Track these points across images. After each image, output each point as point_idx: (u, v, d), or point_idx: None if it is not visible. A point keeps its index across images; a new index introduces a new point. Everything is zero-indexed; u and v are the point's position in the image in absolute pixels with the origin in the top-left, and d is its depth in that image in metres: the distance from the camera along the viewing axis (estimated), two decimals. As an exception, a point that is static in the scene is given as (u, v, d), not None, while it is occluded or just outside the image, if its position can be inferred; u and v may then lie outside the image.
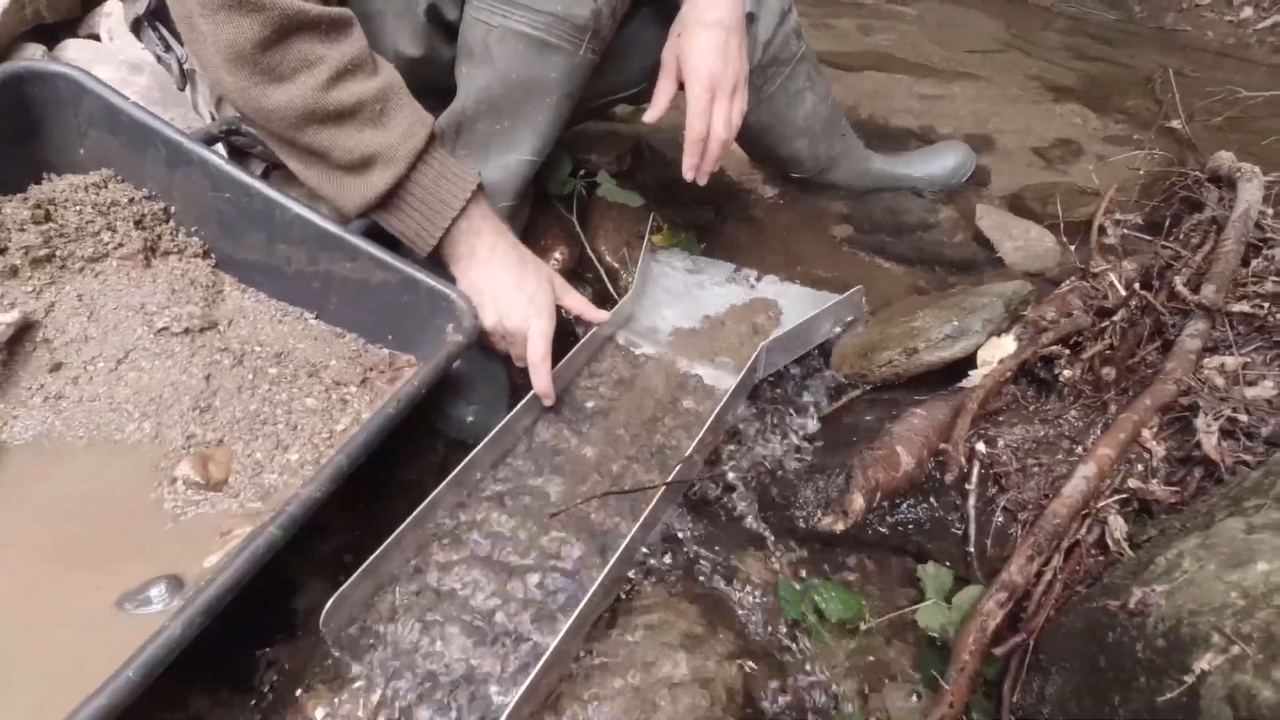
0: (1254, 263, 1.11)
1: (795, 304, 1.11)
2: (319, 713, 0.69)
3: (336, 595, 0.70)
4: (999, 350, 0.97)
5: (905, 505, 0.89)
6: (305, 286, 0.88)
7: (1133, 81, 1.98)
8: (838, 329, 1.08)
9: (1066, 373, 0.92)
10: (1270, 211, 1.20)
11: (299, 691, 0.71)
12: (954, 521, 0.90)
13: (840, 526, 0.76)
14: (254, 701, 0.72)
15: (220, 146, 0.91)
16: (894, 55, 2.07)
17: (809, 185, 1.42)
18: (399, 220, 0.84)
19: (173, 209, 0.88)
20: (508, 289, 0.88)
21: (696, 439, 0.87)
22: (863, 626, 0.80)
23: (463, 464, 0.82)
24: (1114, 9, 2.66)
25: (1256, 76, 2.04)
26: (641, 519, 0.78)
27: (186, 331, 0.81)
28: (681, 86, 0.97)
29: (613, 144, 1.37)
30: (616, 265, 1.15)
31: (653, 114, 0.99)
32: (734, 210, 1.38)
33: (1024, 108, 1.81)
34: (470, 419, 0.95)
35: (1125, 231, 1.33)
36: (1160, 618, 0.50)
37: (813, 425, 1.00)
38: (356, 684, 0.70)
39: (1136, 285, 1.07)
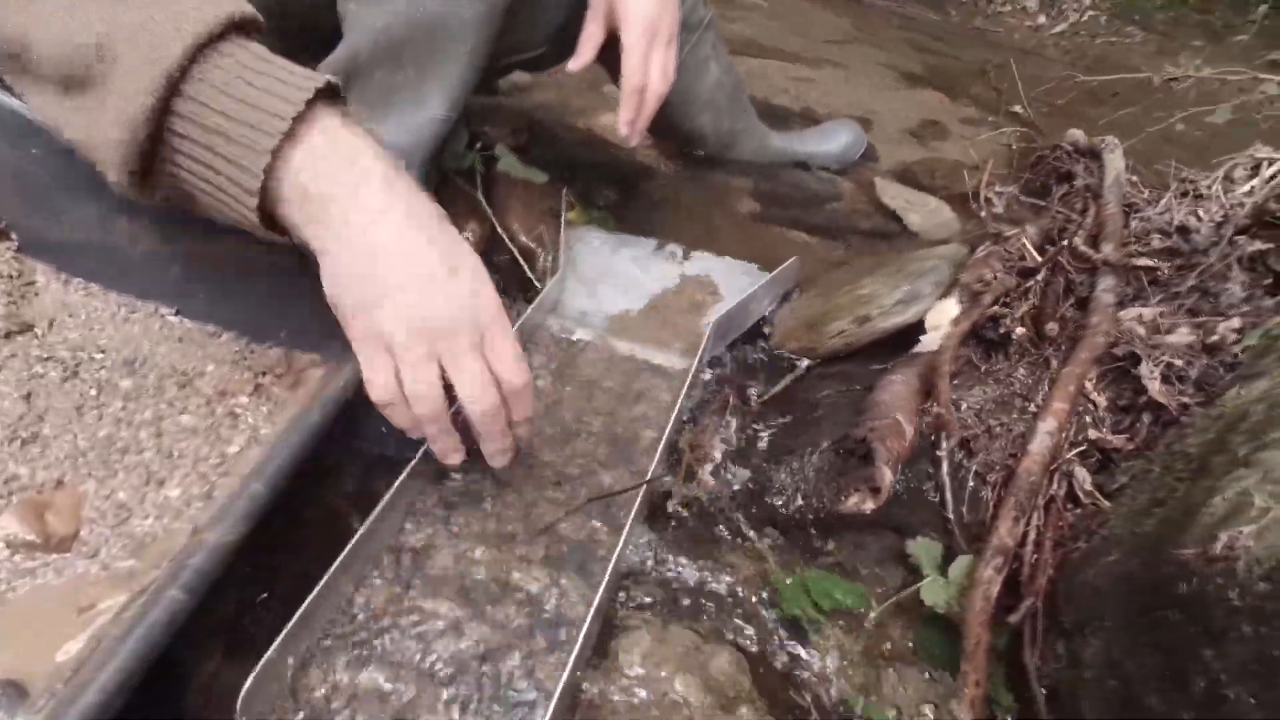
0: (1133, 223, 1.19)
1: (729, 278, 1.03)
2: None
3: (256, 672, 0.52)
4: (944, 314, 0.95)
5: (882, 479, 0.84)
6: (159, 273, 0.68)
7: (968, 72, 2.12)
8: (771, 304, 1.03)
9: (1020, 330, 0.91)
10: (1134, 178, 1.30)
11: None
12: (929, 491, 0.86)
13: (870, 505, 0.69)
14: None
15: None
16: (759, 42, 2.08)
17: (709, 163, 1.36)
18: (188, 165, 0.48)
19: (-52, 174, 0.64)
20: (429, 265, 0.53)
21: (668, 427, 0.76)
22: (871, 615, 0.73)
23: (396, 484, 0.66)
24: (935, 11, 2.87)
25: (1053, 70, 2.26)
26: (627, 525, 0.66)
27: (-12, 337, 0.59)
28: (610, 35, 0.86)
29: (504, 118, 1.23)
30: (532, 245, 1.02)
31: (577, 62, 0.87)
32: (637, 189, 1.29)
33: (887, 93, 1.88)
34: (386, 429, 0.78)
35: (1007, 201, 1.40)
36: (1254, 560, 0.47)
37: (769, 400, 0.92)
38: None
39: (1046, 247, 1.10)
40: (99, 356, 0.62)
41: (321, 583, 0.57)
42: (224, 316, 0.69)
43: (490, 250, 1.00)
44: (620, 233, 1.11)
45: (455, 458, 0.61)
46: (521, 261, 1.01)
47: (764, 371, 0.99)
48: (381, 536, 0.65)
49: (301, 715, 0.55)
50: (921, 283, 0.93)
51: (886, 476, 0.67)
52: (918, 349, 0.93)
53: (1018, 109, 1.86)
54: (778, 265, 1.01)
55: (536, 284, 1.00)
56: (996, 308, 0.96)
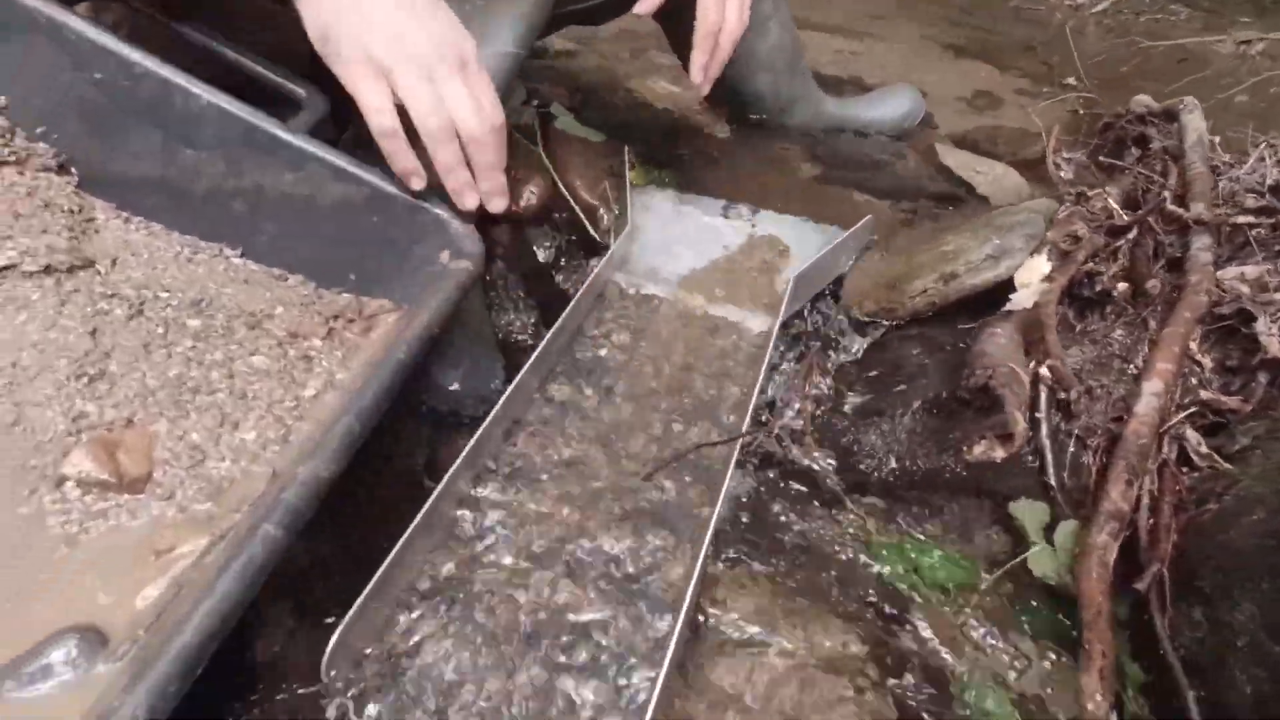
0: (1220, 184, 1.13)
1: (801, 237, 0.98)
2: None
3: (342, 627, 0.48)
4: (1035, 271, 0.90)
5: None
6: (223, 212, 0.63)
7: (1014, 47, 2.06)
8: (850, 262, 0.97)
9: (1122, 285, 0.85)
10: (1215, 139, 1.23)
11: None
12: (1026, 455, 0.81)
13: (1000, 453, 0.63)
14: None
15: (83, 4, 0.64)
16: (798, 14, 2.02)
17: (765, 128, 1.31)
18: None
19: (2, 99, 0.60)
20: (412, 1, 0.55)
21: (756, 384, 0.71)
22: (981, 586, 0.68)
23: (475, 437, 0.61)
24: (972, -11, 2.80)
25: (1097, 47, 2.19)
26: (726, 479, 0.61)
27: (48, 271, 0.54)
28: None
29: (554, 79, 1.18)
30: (595, 202, 0.97)
31: (646, 6, 0.82)
32: (692, 153, 1.24)
33: (935, 63, 1.82)
34: (455, 386, 0.73)
35: (1076, 167, 1.34)
36: None
37: (853, 370, 0.87)
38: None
39: (1128, 212, 1.04)
40: (164, 295, 0.58)
41: (403, 538, 0.53)
42: (290, 259, 0.65)
43: (551, 207, 0.95)
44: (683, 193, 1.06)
45: (470, 198, 0.62)
46: (584, 219, 0.96)
47: (840, 335, 0.94)
48: (457, 494, 0.60)
49: (386, 670, 0.50)
50: (1012, 237, 0.87)
51: (1019, 420, 0.62)
52: (1008, 308, 0.87)
53: (1071, 80, 1.79)
54: (848, 226, 0.96)
55: (600, 241, 0.95)
56: (1091, 264, 0.90)
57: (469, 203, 0.63)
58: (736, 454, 0.64)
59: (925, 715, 0.57)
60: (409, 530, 0.53)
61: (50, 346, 0.51)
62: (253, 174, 0.62)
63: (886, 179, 1.22)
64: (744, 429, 0.64)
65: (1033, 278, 0.90)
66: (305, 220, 0.64)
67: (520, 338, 0.81)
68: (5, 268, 0.54)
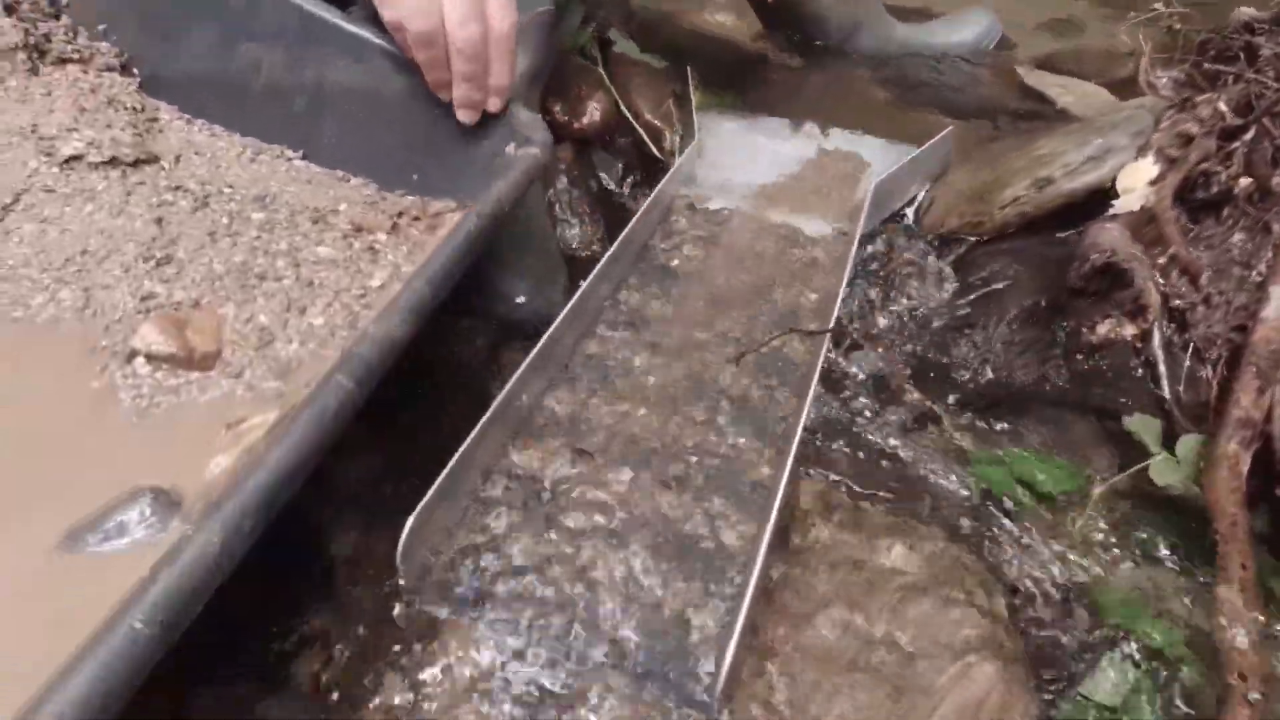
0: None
1: (876, 152, 0.93)
2: (403, 697, 0.45)
3: (415, 515, 0.45)
4: (1139, 175, 0.82)
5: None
6: (283, 109, 0.61)
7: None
8: (929, 177, 0.91)
9: (1245, 181, 0.77)
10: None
11: (368, 675, 0.46)
12: (1135, 369, 0.74)
13: (1131, 330, 0.58)
14: (294, 702, 0.46)
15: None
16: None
17: (829, 54, 1.25)
18: None
19: (67, -1, 0.59)
20: None
21: (840, 289, 0.67)
22: (1094, 493, 0.62)
23: (546, 336, 0.58)
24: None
25: None
26: (814, 378, 0.57)
27: (114, 163, 0.53)
28: None
29: (609, 7, 1.14)
30: (658, 123, 0.93)
31: None
32: (755, 81, 1.18)
33: (1009, -8, 1.71)
34: (522, 298, 0.71)
35: (1173, 85, 1.23)
36: None
37: (937, 282, 0.81)
38: (452, 645, 0.46)
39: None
40: (227, 190, 0.56)
41: (475, 430, 0.50)
42: (352, 161, 0.63)
43: (614, 129, 0.92)
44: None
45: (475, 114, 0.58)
46: (648, 140, 0.92)
47: (921, 256, 0.88)
48: (528, 396, 0.57)
49: (460, 566, 0.48)
50: (1117, 135, 0.80)
51: (1153, 291, 0.56)
52: (1111, 213, 0.80)
53: (1158, 5, 1.67)
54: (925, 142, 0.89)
55: (665, 162, 0.91)
56: (1206, 165, 0.82)
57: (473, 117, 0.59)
58: (824, 353, 0.60)
59: (1060, 635, 0.52)
60: (481, 423, 0.51)
61: (118, 233, 0.50)
62: (313, 66, 0.60)
63: (963, 100, 1.15)
64: (830, 325, 0.60)
65: (1137, 182, 0.82)
66: (367, 117, 0.61)
67: (586, 254, 0.78)
68: (72, 158, 0.52)
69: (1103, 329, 0.57)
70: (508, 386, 0.53)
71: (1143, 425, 0.68)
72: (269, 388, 0.45)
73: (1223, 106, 0.95)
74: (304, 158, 0.63)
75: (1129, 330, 0.57)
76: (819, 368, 0.57)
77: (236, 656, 0.48)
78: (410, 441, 0.62)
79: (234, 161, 0.59)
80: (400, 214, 0.60)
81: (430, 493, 0.46)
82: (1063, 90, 1.17)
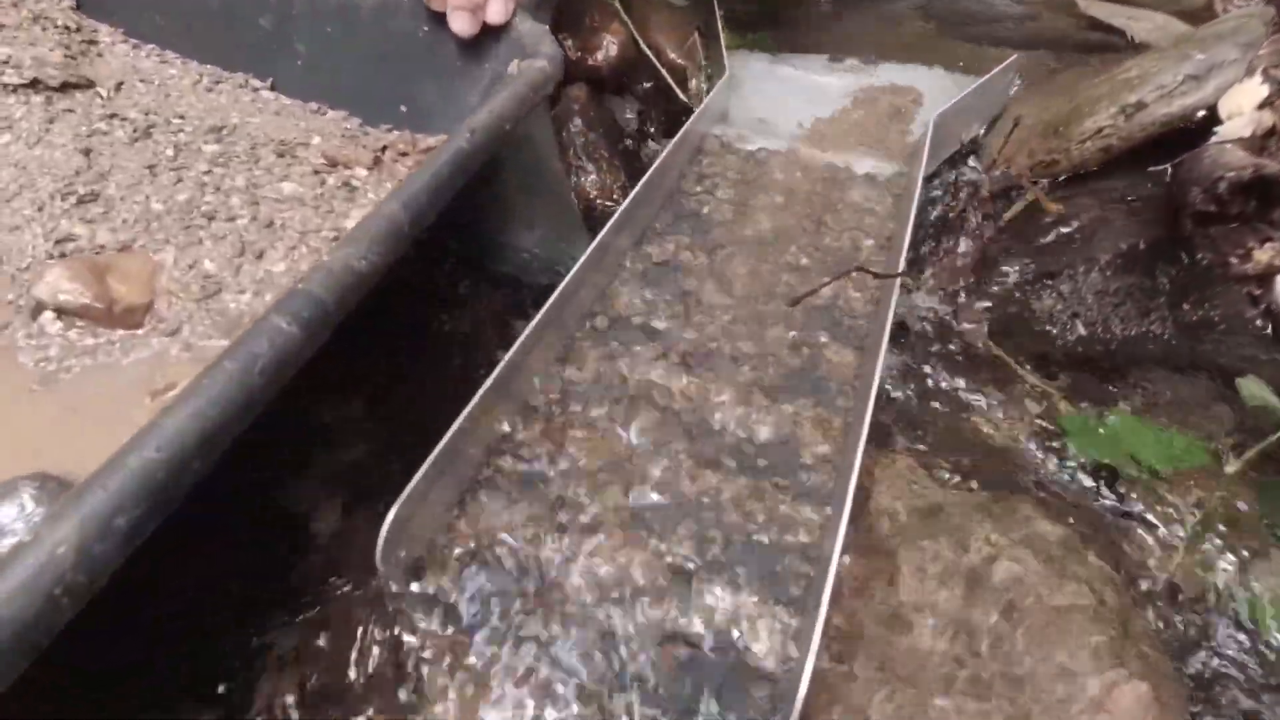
0: None
1: (932, 83, 0.82)
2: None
3: (395, 510, 0.36)
4: (1247, 97, 0.70)
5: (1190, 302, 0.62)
6: (246, 31, 0.52)
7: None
8: (994, 113, 0.80)
9: (1382, 94, 0.65)
10: None
11: (344, 697, 0.37)
12: (1253, 319, 0.63)
13: None
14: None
15: None
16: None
17: (866, -8, 1.13)
18: None
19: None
20: None
21: (908, 224, 0.56)
22: (1228, 469, 0.52)
23: (558, 291, 0.49)
24: None
25: None
26: (885, 334, 0.47)
27: (35, 86, 0.44)
28: None
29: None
30: (682, 62, 0.83)
31: None
32: (787, 19, 1.07)
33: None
34: (535, 250, 0.61)
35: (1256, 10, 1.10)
36: None
37: (1003, 228, 0.71)
38: (444, 666, 0.37)
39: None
40: (177, 121, 0.47)
41: (469, 407, 0.41)
42: (329, 90, 0.53)
43: (634, 69, 0.81)
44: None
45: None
46: (671, 82, 0.82)
47: (987, 201, 0.77)
48: (537, 365, 0.48)
49: (453, 561, 0.38)
50: (1224, 47, 0.68)
51: None
52: (1216, 141, 0.69)
53: (1225, -64, 1.52)
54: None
55: (690, 105, 0.80)
56: (1326, 81, 0.70)
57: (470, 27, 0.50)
58: (894, 304, 0.50)
59: (1193, 631, 0.42)
60: (477, 396, 0.41)
61: (33, 165, 0.41)
62: (276, -22, 0.50)
63: (1021, 32, 1.03)
64: (900, 269, 0.50)
65: (1244, 104, 0.70)
66: (344, 39, 0.52)
67: (605, 203, 0.68)
68: (-16, 82, 0.43)
69: (1263, 255, 0.46)
70: (509, 354, 0.44)
71: (1255, 388, 0.57)
72: (210, 347, 0.36)
73: (1331, 22, 0.83)
74: (272, 88, 0.54)
75: None
76: (889, 322, 0.46)
77: (197, 671, 0.39)
78: (406, 418, 0.53)
79: (188, 90, 0.50)
80: (385, 148, 0.50)
81: (414, 481, 0.37)
82: (1132, 21, 1.05)
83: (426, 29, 0.51)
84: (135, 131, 0.45)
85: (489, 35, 0.51)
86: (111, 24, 0.52)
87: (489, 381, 0.43)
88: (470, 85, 0.52)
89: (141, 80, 0.50)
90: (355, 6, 0.51)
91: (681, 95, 0.82)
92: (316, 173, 0.46)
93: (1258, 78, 0.72)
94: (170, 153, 0.44)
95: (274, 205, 0.43)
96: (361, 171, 0.47)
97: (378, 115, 0.54)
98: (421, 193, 0.34)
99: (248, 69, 0.53)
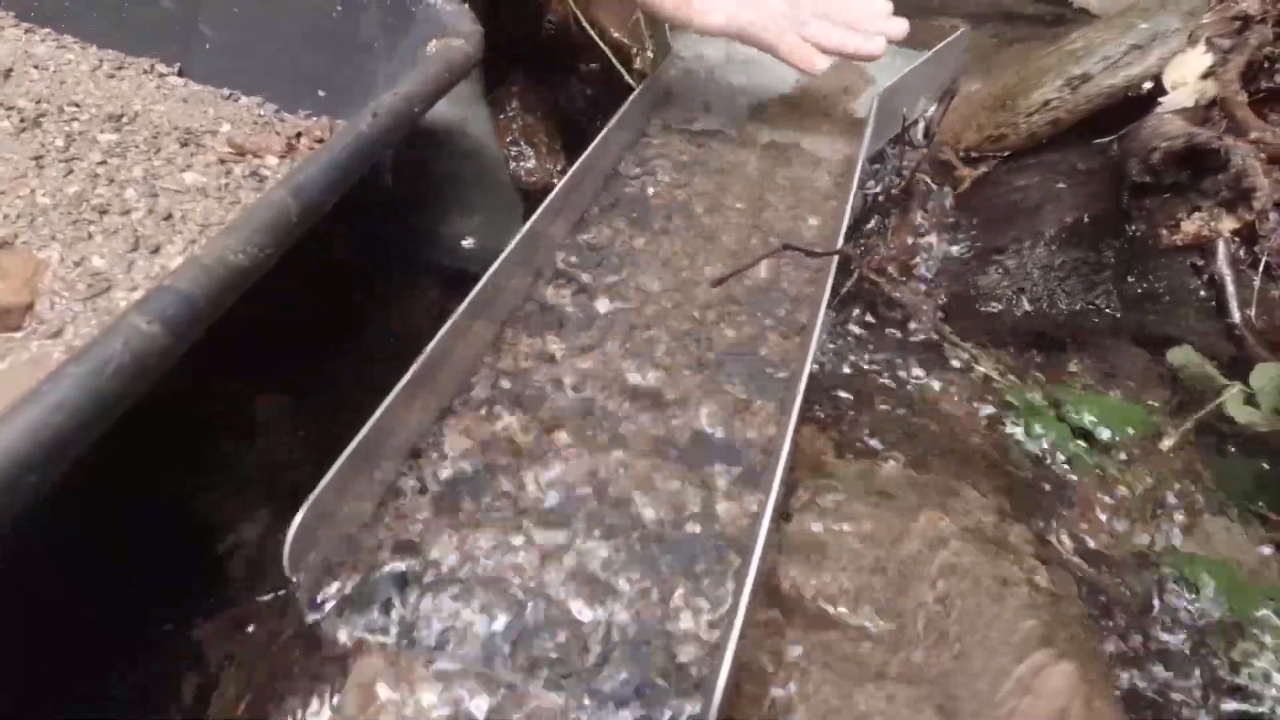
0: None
1: (881, 63, 0.80)
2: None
3: (305, 510, 0.35)
4: (1191, 66, 0.70)
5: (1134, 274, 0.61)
6: (149, 13, 0.49)
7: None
8: (941, 89, 0.79)
9: (1322, 60, 0.65)
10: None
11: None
12: (1196, 290, 0.63)
13: (1230, 224, 0.46)
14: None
15: None
16: None
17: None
18: None
19: None
20: None
21: (848, 202, 0.55)
22: (1166, 442, 0.51)
23: (483, 280, 0.47)
24: None
25: None
26: (819, 317, 0.46)
27: (-88, 75, 0.41)
28: None
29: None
30: (626, 41, 0.80)
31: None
32: None
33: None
34: (469, 241, 0.59)
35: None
36: None
37: (951, 205, 0.70)
38: (363, 681, 0.36)
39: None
40: (71, 109, 0.44)
41: (387, 401, 0.39)
42: (242, 75, 0.51)
43: (576, 49, 0.79)
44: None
45: None
46: (615, 61, 0.80)
47: (935, 179, 0.76)
48: (463, 353, 0.46)
49: (376, 566, 0.37)
50: (1165, 16, 0.68)
51: (1259, 173, 0.44)
52: (1161, 111, 0.68)
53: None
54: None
55: (636, 85, 0.79)
56: (1268, 50, 0.70)
57: None
58: (830, 283, 0.48)
59: (1125, 611, 0.41)
60: (397, 389, 0.40)
61: (-94, 159, 0.38)
62: (177, -45, 0.48)
63: (973, 4, 1.02)
64: (838, 247, 0.48)
65: (1189, 74, 0.70)
66: (255, 21, 0.50)
67: (543, 188, 0.66)
68: None
69: (1190, 225, 0.45)
70: (431, 344, 0.42)
71: (1186, 358, 0.57)
72: (98, 349, 0.34)
73: (1276, -10, 0.83)
74: (181, 73, 0.51)
75: (1227, 224, 0.45)
76: (825, 302, 0.45)
77: (96, 694, 0.37)
78: (335, 415, 0.51)
79: (85, 77, 0.48)
80: (299, 135, 0.48)
81: (326, 479, 0.36)
82: (1083, -9, 1.05)
83: (341, 8, 0.49)
84: (23, 121, 0.42)
85: (409, 16, 0.49)
86: (2, 8, 0.49)
87: (407, 377, 0.41)
88: (388, 66, 0.50)
89: (35, 67, 0.47)
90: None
91: (626, 75, 0.80)
92: (223, 162, 0.44)
93: (1201, 47, 0.71)
94: (60, 143, 0.42)
95: (174, 197, 0.41)
96: (272, 160, 0.45)
97: (294, 100, 0.51)
98: (314, 180, 0.32)
99: (153, 53, 0.50)
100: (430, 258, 0.59)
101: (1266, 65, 0.70)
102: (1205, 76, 0.70)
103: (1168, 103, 0.69)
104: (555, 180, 0.68)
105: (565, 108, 0.78)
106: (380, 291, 0.57)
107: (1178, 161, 0.48)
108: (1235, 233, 0.45)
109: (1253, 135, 0.49)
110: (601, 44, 0.80)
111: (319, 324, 0.54)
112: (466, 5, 0.49)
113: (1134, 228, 0.54)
